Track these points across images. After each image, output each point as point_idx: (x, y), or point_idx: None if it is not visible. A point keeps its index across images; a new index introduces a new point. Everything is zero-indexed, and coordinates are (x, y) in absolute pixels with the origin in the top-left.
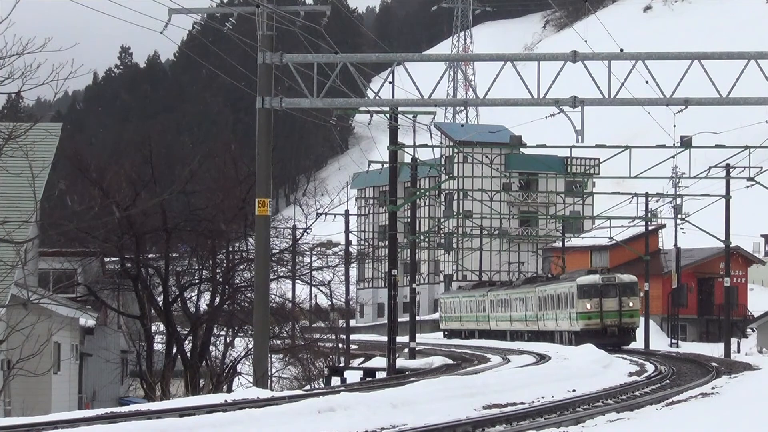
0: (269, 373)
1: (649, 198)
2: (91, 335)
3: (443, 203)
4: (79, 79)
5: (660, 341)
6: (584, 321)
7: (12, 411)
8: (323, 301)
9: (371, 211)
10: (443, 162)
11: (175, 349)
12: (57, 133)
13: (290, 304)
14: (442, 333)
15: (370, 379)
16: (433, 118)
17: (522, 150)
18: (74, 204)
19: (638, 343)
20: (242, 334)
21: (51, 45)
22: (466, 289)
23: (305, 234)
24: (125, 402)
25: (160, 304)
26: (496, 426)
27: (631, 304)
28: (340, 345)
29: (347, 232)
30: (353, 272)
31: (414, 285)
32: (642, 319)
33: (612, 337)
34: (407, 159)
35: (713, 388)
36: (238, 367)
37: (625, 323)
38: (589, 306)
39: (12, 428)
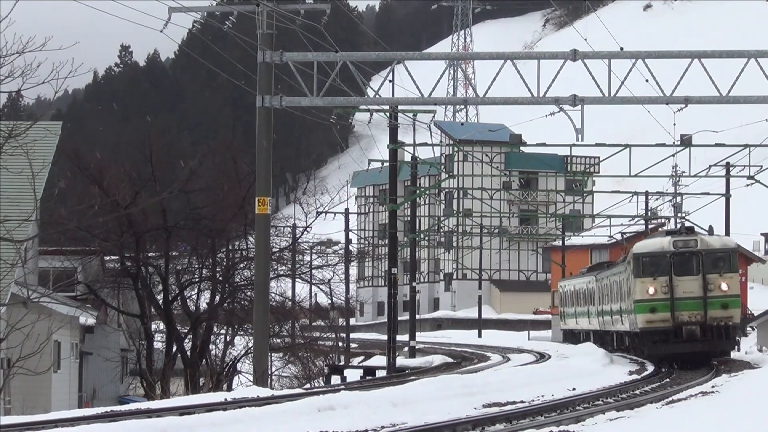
0: (269, 372)
1: (649, 196)
2: (91, 334)
3: (443, 202)
4: (79, 77)
5: None
6: (644, 315)
7: (12, 410)
8: (323, 299)
9: (371, 210)
10: (443, 160)
11: (175, 348)
12: (57, 132)
13: (290, 303)
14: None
15: (370, 377)
16: (433, 116)
17: (522, 149)
18: (74, 203)
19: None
20: (242, 333)
21: (51, 44)
22: (582, 273)
23: (305, 232)
24: (125, 401)
25: (160, 302)
26: (496, 425)
27: (724, 286)
28: (340, 343)
29: (347, 230)
30: (353, 271)
31: (414, 284)
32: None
33: (691, 341)
34: (407, 157)
35: (713, 386)
36: (238, 365)
37: (714, 318)
38: (651, 290)
39: (12, 427)
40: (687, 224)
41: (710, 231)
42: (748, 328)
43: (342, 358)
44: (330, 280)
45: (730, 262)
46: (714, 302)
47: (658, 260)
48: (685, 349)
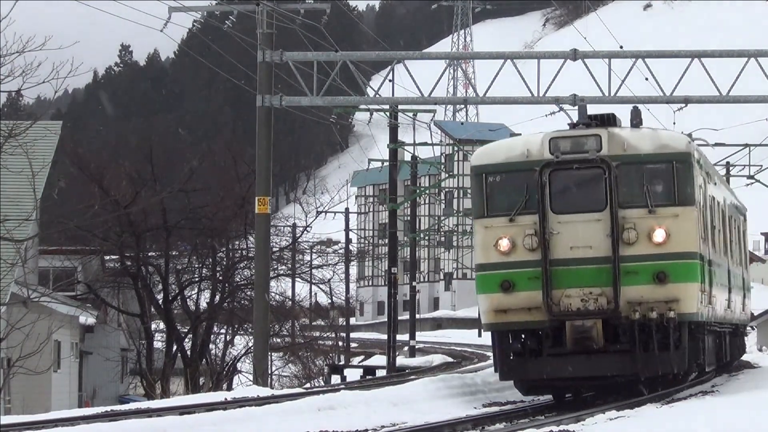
0: (269, 372)
1: None
2: (91, 333)
3: (443, 201)
4: (79, 77)
5: None
6: (489, 297)
7: (12, 409)
8: (323, 299)
9: (371, 210)
10: (443, 160)
11: (175, 347)
12: (57, 131)
13: (290, 303)
14: None
15: (370, 377)
16: (433, 116)
17: None
18: (74, 203)
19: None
20: (242, 332)
21: (51, 43)
22: None
23: (305, 232)
24: (125, 400)
25: (160, 302)
26: (496, 424)
27: (658, 235)
28: (340, 343)
29: (347, 230)
30: (353, 270)
31: (414, 283)
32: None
33: (584, 354)
34: (407, 157)
35: (713, 386)
36: (238, 365)
37: (635, 303)
38: (504, 244)
39: (12, 426)
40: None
41: (634, 118)
42: (748, 328)
43: (342, 357)
44: (330, 279)
45: (674, 182)
46: (636, 270)
47: (518, 180)
48: (570, 371)
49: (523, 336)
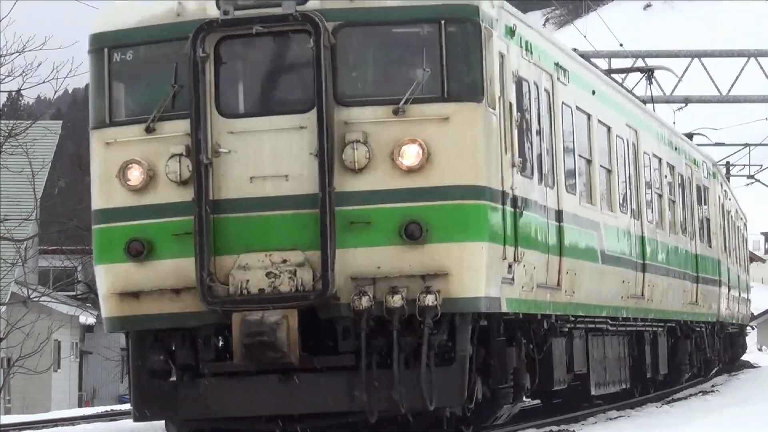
0: None
1: None
2: (91, 333)
3: None
4: (79, 77)
5: None
6: (113, 276)
7: (12, 409)
8: None
9: None
10: None
11: None
12: (57, 131)
13: None
14: None
15: None
16: None
17: None
18: (74, 202)
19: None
20: None
21: (51, 43)
22: None
23: None
24: (125, 400)
25: None
26: (495, 423)
27: (411, 156)
28: None
29: None
30: None
31: None
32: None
33: (273, 372)
34: None
35: (713, 386)
36: None
37: (364, 278)
38: (132, 175)
39: (12, 426)
40: None
41: None
42: (748, 327)
43: None
44: None
45: (443, 59)
46: (368, 218)
47: (162, 58)
48: (246, 406)
49: (171, 341)
